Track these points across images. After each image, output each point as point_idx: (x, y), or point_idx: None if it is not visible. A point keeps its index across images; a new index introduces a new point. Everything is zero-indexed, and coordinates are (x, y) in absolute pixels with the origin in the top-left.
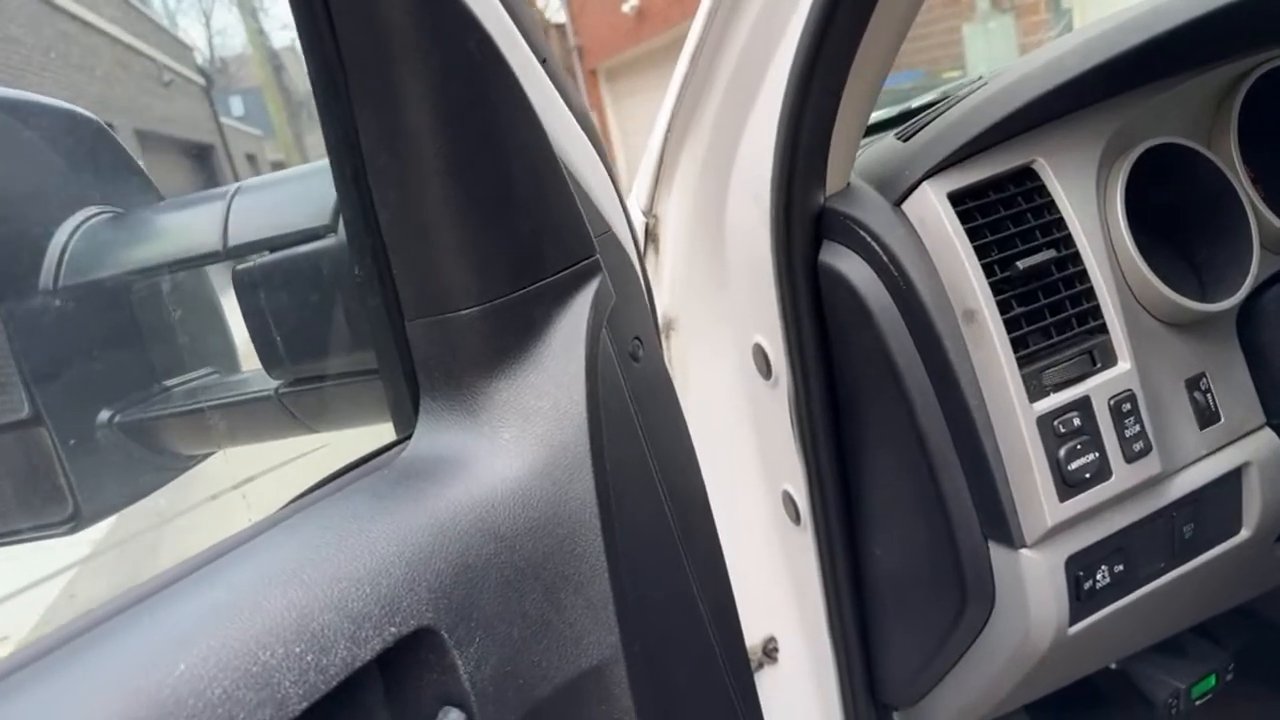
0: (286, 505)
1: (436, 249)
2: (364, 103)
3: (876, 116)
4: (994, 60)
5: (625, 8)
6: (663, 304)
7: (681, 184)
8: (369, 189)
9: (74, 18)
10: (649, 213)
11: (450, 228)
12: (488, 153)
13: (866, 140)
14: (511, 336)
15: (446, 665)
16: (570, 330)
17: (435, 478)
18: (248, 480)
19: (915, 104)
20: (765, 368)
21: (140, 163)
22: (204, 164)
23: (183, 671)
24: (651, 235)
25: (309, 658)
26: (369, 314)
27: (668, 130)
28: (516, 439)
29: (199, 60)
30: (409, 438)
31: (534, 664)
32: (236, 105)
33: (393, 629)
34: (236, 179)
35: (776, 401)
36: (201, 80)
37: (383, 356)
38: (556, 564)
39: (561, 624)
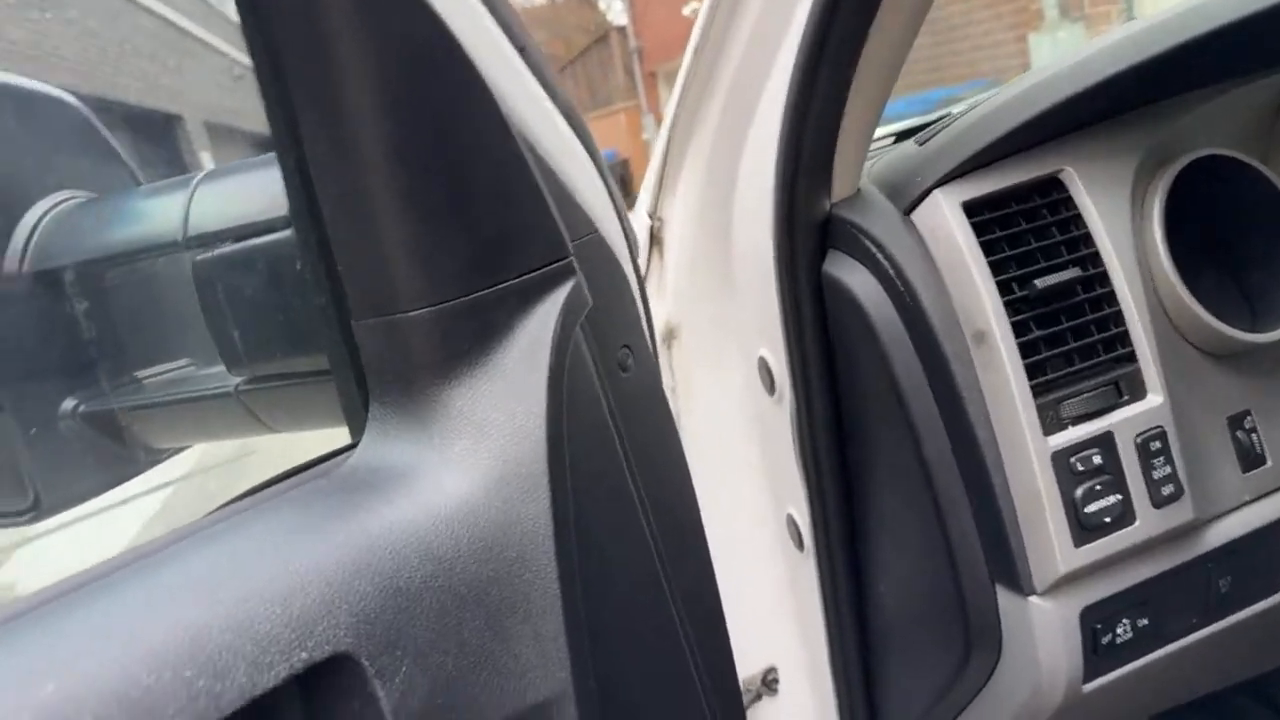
0: (205, 516)
1: (382, 245)
2: (301, 86)
3: (918, 122)
4: None
5: (686, 10)
6: (666, 310)
7: (686, 185)
8: (312, 180)
9: (150, 13)
10: (654, 215)
11: (396, 222)
12: (436, 144)
13: (892, 145)
14: (468, 342)
15: (366, 696)
16: (535, 338)
17: (375, 490)
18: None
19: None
20: (770, 382)
21: (212, 154)
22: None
23: (50, 694)
24: (656, 238)
25: (201, 683)
26: (318, 312)
27: (671, 128)
28: (469, 452)
29: None
30: (355, 445)
31: (471, 697)
32: None
33: (304, 654)
34: None
35: (781, 419)
36: None
37: (334, 357)
38: (502, 590)
39: (505, 655)
